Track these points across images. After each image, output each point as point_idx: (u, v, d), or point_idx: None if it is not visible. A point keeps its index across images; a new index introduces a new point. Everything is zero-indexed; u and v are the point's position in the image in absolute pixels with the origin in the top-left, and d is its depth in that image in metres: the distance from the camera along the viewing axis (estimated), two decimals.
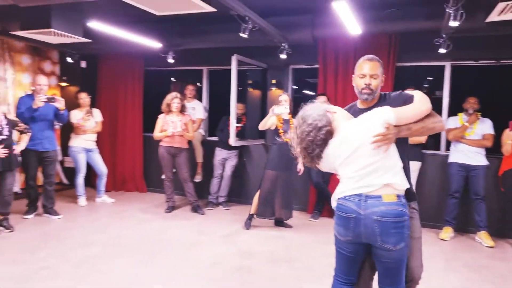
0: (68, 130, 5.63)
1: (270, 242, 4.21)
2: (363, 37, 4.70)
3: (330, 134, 1.97)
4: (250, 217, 4.62)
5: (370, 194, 1.89)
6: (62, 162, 6.28)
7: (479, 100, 4.43)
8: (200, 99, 6.08)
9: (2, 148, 4.02)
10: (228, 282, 3.19)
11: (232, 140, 4.93)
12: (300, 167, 4.51)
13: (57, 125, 5.50)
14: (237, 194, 5.82)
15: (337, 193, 2.02)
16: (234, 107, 4.89)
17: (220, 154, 5.48)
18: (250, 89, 6.00)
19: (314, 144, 1.95)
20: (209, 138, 6.07)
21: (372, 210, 1.87)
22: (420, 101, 1.98)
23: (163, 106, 5.09)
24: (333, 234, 2.06)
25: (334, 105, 2.16)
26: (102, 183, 5.70)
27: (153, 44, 5.24)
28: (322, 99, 4.83)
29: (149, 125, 5.59)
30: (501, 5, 3.11)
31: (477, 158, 4.39)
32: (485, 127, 4.40)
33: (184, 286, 3.10)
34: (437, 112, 2.06)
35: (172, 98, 5.05)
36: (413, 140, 4.35)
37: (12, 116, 4.44)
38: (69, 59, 6.01)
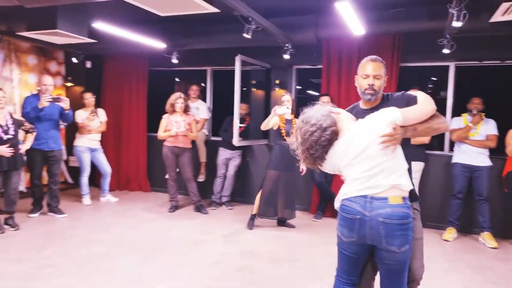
0: (73, 129, 5.67)
1: (273, 242, 4.22)
2: (366, 38, 4.71)
3: (335, 134, 1.95)
4: (253, 217, 4.63)
5: (375, 196, 1.88)
6: (67, 162, 6.33)
7: (483, 100, 4.42)
8: (204, 99, 6.10)
9: (8, 147, 4.06)
10: (230, 282, 3.20)
11: (236, 140, 4.95)
12: (303, 167, 4.52)
13: (62, 125, 5.55)
14: (240, 194, 5.84)
15: (341, 194, 2.00)
16: (238, 107, 4.91)
17: (223, 154, 5.50)
18: (253, 89, 6.02)
19: (318, 144, 1.92)
20: (213, 138, 6.10)
21: (377, 212, 1.86)
22: (425, 102, 1.99)
23: (167, 106, 5.12)
24: (335, 235, 2.06)
25: (337, 105, 2.16)
26: (106, 182, 5.74)
27: (157, 44, 5.27)
28: (325, 99, 4.84)
29: (153, 125, 5.62)
30: (504, 5, 3.10)
31: (480, 158, 4.37)
32: (489, 127, 4.39)
33: (187, 285, 3.12)
34: (441, 113, 2.06)
35: (176, 98, 5.08)
36: (416, 140, 4.35)
37: (18, 116, 4.48)
38: (74, 60, 6.07)
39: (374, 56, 2.15)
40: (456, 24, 3.32)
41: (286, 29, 4.66)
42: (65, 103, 4.74)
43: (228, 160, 5.52)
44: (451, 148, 4.79)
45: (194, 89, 5.87)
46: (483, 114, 4.42)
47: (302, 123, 1.99)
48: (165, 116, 5.15)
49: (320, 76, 5.35)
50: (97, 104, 5.88)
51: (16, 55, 5.73)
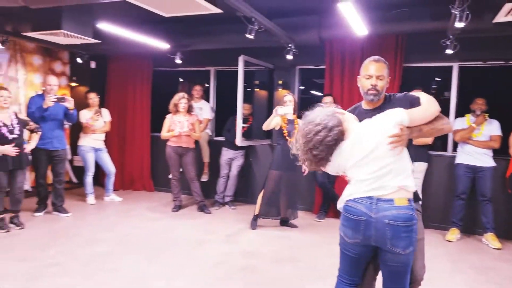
0: (78, 129, 5.71)
1: (275, 242, 4.23)
2: (369, 38, 4.71)
3: (342, 134, 1.92)
4: (255, 217, 4.65)
5: (381, 198, 1.88)
6: (71, 161, 6.38)
7: (486, 101, 4.41)
8: (207, 100, 6.13)
9: (13, 147, 4.10)
10: (233, 281, 3.22)
11: (238, 140, 4.96)
12: (305, 168, 4.53)
13: (67, 125, 5.59)
14: (243, 194, 5.86)
15: (345, 195, 2.00)
16: (241, 108, 4.92)
17: (226, 154, 5.52)
18: (256, 90, 6.04)
19: (323, 144, 1.89)
20: (216, 138, 6.12)
21: (383, 214, 1.86)
22: (429, 103, 2.00)
23: (171, 106, 5.15)
24: (338, 235, 2.06)
25: (340, 106, 2.15)
26: (111, 182, 5.78)
27: (161, 45, 5.30)
28: (328, 99, 4.85)
29: (157, 125, 5.65)
30: (508, 6, 3.10)
31: (484, 159, 4.36)
32: (492, 128, 4.37)
33: (190, 284, 3.14)
34: (445, 113, 2.08)
35: (179, 99, 5.11)
36: (419, 141, 4.34)
37: (23, 116, 4.52)
38: (79, 60, 6.11)
39: (377, 57, 2.15)
40: (459, 24, 3.31)
41: (289, 29, 4.67)
42: (70, 103, 4.78)
43: (231, 160, 5.54)
44: (455, 149, 4.79)
45: (197, 89, 5.90)
46: (487, 114, 4.41)
47: (304, 124, 1.97)
48: (168, 116, 5.18)
49: (323, 77, 5.35)
50: (101, 104, 5.92)
51: (21, 56, 5.78)
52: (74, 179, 6.51)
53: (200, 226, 4.71)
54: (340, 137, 1.92)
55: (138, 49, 5.65)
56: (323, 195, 5.20)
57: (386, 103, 2.13)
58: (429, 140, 4.61)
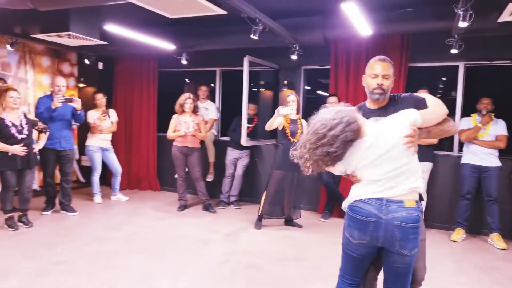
0: (85, 129, 5.79)
1: (280, 241, 4.26)
2: (374, 38, 4.71)
3: (359, 131, 1.86)
4: (260, 217, 4.68)
5: (391, 199, 1.88)
6: (79, 161, 6.45)
7: (492, 100, 4.39)
8: (213, 100, 6.17)
9: (22, 146, 4.18)
10: (237, 280, 3.24)
11: (244, 140, 4.99)
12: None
13: (75, 125, 5.67)
14: (248, 194, 5.89)
15: (353, 195, 1.98)
16: (246, 108, 4.95)
17: (231, 154, 5.56)
18: (262, 90, 6.06)
19: (340, 140, 1.79)
20: (221, 138, 6.16)
21: (393, 215, 1.86)
22: (437, 106, 2.01)
23: (176, 107, 5.19)
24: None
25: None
26: (117, 181, 5.84)
27: (167, 46, 5.35)
28: (333, 99, 4.86)
29: (163, 125, 5.70)
30: (511, 6, 3.08)
31: (490, 159, 4.34)
32: (498, 128, 4.35)
33: (194, 283, 3.17)
34: (451, 113, 2.09)
35: (185, 99, 5.15)
36: (425, 141, 4.33)
37: (32, 116, 4.59)
38: (86, 61, 6.19)
39: (382, 56, 2.15)
40: (462, 24, 3.30)
41: (294, 30, 4.69)
42: (77, 104, 4.85)
43: (236, 160, 5.57)
44: (460, 149, 4.77)
45: (203, 90, 5.94)
46: (493, 114, 4.39)
47: (315, 122, 1.88)
48: (174, 117, 5.23)
49: (328, 77, 5.36)
50: (109, 105, 5.99)
51: (30, 57, 5.88)
52: (82, 179, 6.59)
53: (205, 225, 4.75)
54: (356, 134, 1.85)
55: (144, 50, 5.71)
56: (328, 194, 5.21)
57: (391, 103, 2.13)
58: (434, 140, 4.60)
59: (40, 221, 4.64)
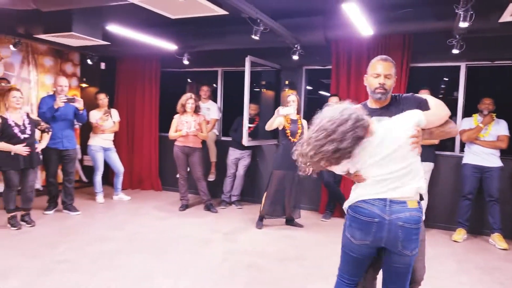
0: (87, 129, 5.82)
1: (281, 241, 4.27)
2: (375, 38, 4.72)
3: (368, 128, 1.84)
4: (261, 217, 4.69)
5: (395, 199, 1.88)
6: (81, 161, 6.49)
7: (494, 101, 4.39)
8: (215, 100, 6.18)
9: (25, 146, 4.20)
10: (238, 279, 3.26)
11: (245, 140, 5.00)
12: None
13: (77, 125, 5.70)
14: (250, 194, 5.90)
15: (355, 196, 1.97)
16: (247, 108, 4.96)
17: (233, 154, 5.57)
18: (263, 90, 6.07)
19: (350, 137, 1.76)
20: (223, 138, 6.17)
21: (397, 216, 1.86)
22: (439, 107, 2.03)
23: (178, 107, 5.21)
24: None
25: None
26: (119, 181, 5.87)
27: (169, 46, 5.37)
28: (334, 100, 4.86)
29: (165, 125, 5.73)
30: None
31: (491, 159, 4.34)
32: (500, 128, 4.35)
33: (195, 282, 3.18)
34: (453, 113, 2.10)
35: (187, 99, 5.17)
36: (426, 141, 4.33)
37: (35, 116, 4.62)
38: (89, 61, 6.22)
39: (384, 56, 2.16)
40: (463, 24, 3.31)
41: (295, 30, 4.70)
42: (80, 104, 4.87)
43: (238, 160, 5.58)
44: (462, 149, 4.77)
45: (204, 90, 5.96)
46: (494, 114, 4.38)
47: (319, 119, 1.84)
48: (176, 116, 5.25)
49: (330, 77, 5.37)
50: (111, 105, 6.02)
51: (33, 57, 5.91)
52: (84, 178, 6.62)
53: (207, 225, 4.77)
54: (366, 130, 1.83)
55: (146, 50, 5.73)
56: (329, 194, 5.22)
57: (393, 103, 2.14)
58: (435, 141, 4.60)
59: (43, 221, 4.67)
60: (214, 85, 6.38)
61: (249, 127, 5.08)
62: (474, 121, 4.47)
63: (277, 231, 4.59)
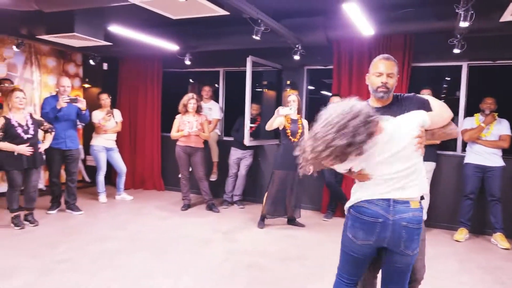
0: (90, 129, 5.84)
1: (282, 241, 4.27)
2: (377, 38, 4.72)
3: (378, 124, 1.81)
4: (263, 217, 4.70)
5: (398, 200, 1.87)
6: (84, 161, 6.52)
7: (496, 100, 4.38)
8: (216, 100, 6.20)
9: (28, 146, 4.23)
10: (239, 279, 3.27)
11: (247, 140, 5.01)
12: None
13: (80, 125, 5.73)
14: (252, 193, 5.91)
15: (359, 196, 1.95)
16: (249, 108, 4.97)
17: (235, 153, 5.59)
18: (265, 90, 6.08)
19: (365, 131, 1.71)
20: (225, 138, 6.19)
21: (401, 216, 1.86)
22: (442, 109, 2.04)
23: (180, 107, 5.23)
24: None
25: None
26: (122, 181, 5.89)
27: (171, 46, 5.39)
28: (336, 100, 4.86)
29: (167, 125, 5.75)
30: None
31: (493, 159, 4.33)
32: (502, 127, 4.34)
33: (196, 282, 3.20)
34: (454, 112, 2.11)
35: (189, 99, 5.19)
36: (427, 141, 4.33)
37: (38, 116, 4.65)
38: (91, 62, 6.25)
39: (387, 55, 2.16)
40: (463, 24, 3.30)
41: (296, 30, 4.70)
42: (82, 104, 4.90)
43: (239, 160, 5.60)
44: (464, 149, 4.76)
45: (206, 90, 5.97)
46: (496, 114, 4.37)
47: (325, 115, 1.77)
48: (178, 117, 5.26)
49: (332, 77, 5.37)
50: (113, 105, 6.04)
51: (36, 58, 5.95)
52: (87, 178, 6.65)
53: (209, 224, 4.78)
54: (376, 127, 1.79)
55: (148, 51, 5.75)
56: (331, 194, 5.22)
57: (395, 102, 2.14)
58: (437, 141, 4.59)
59: (46, 220, 4.70)
60: (216, 85, 6.40)
61: (251, 127, 5.09)
62: (476, 120, 4.46)
63: (278, 231, 4.60)
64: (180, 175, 5.47)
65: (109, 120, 5.64)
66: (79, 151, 5.33)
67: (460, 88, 4.91)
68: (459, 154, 4.88)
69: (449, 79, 6.04)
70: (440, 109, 2.02)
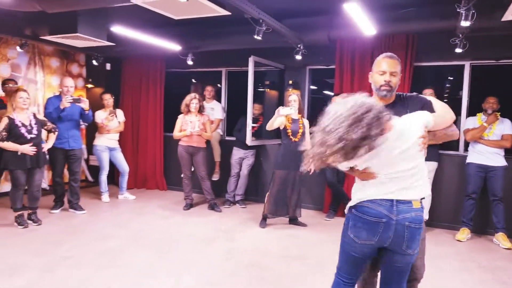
0: (93, 129, 5.88)
1: (284, 240, 4.28)
2: (379, 37, 4.72)
3: (389, 121, 1.77)
4: (264, 217, 4.71)
5: (401, 200, 1.88)
6: (87, 160, 6.56)
7: (498, 100, 4.37)
8: (219, 100, 6.22)
9: (31, 146, 4.27)
10: (240, 278, 3.28)
11: (249, 140, 5.03)
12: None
13: (83, 125, 5.76)
14: (254, 193, 5.93)
15: (363, 195, 1.94)
16: (251, 108, 4.99)
17: (237, 153, 5.60)
18: (267, 90, 6.10)
19: (378, 126, 1.67)
20: (227, 138, 6.20)
21: (403, 216, 1.87)
22: (445, 110, 2.05)
23: (182, 107, 5.25)
24: None
25: None
26: (124, 180, 5.92)
27: (173, 46, 5.42)
28: (338, 99, 4.86)
29: (170, 125, 5.77)
30: None
31: (495, 158, 4.32)
32: (504, 127, 4.33)
33: (198, 281, 3.21)
34: (456, 112, 2.12)
35: (191, 99, 5.20)
36: (429, 141, 4.33)
37: (41, 116, 4.68)
38: (94, 62, 6.29)
39: (390, 53, 2.15)
40: (465, 23, 3.30)
41: (298, 30, 4.71)
42: (85, 104, 4.94)
43: (241, 160, 5.61)
44: (466, 148, 4.75)
45: (209, 90, 5.99)
46: (499, 113, 4.36)
47: (335, 109, 1.71)
48: (180, 116, 5.28)
49: (334, 76, 5.37)
50: (116, 105, 6.08)
51: (40, 58, 5.99)
52: (90, 178, 6.69)
53: (211, 224, 4.80)
54: (389, 123, 1.76)
55: (151, 51, 5.78)
56: (333, 194, 5.22)
57: (398, 101, 2.14)
58: (438, 141, 4.58)
59: (49, 219, 4.73)
60: (218, 85, 6.41)
61: (253, 127, 5.11)
62: (478, 120, 4.45)
63: (280, 230, 4.61)
64: (182, 175, 5.48)
65: (112, 120, 5.67)
66: (82, 150, 5.36)
67: (463, 88, 4.91)
68: (461, 154, 4.88)
69: (451, 78, 6.03)
70: (442, 111, 2.03)
